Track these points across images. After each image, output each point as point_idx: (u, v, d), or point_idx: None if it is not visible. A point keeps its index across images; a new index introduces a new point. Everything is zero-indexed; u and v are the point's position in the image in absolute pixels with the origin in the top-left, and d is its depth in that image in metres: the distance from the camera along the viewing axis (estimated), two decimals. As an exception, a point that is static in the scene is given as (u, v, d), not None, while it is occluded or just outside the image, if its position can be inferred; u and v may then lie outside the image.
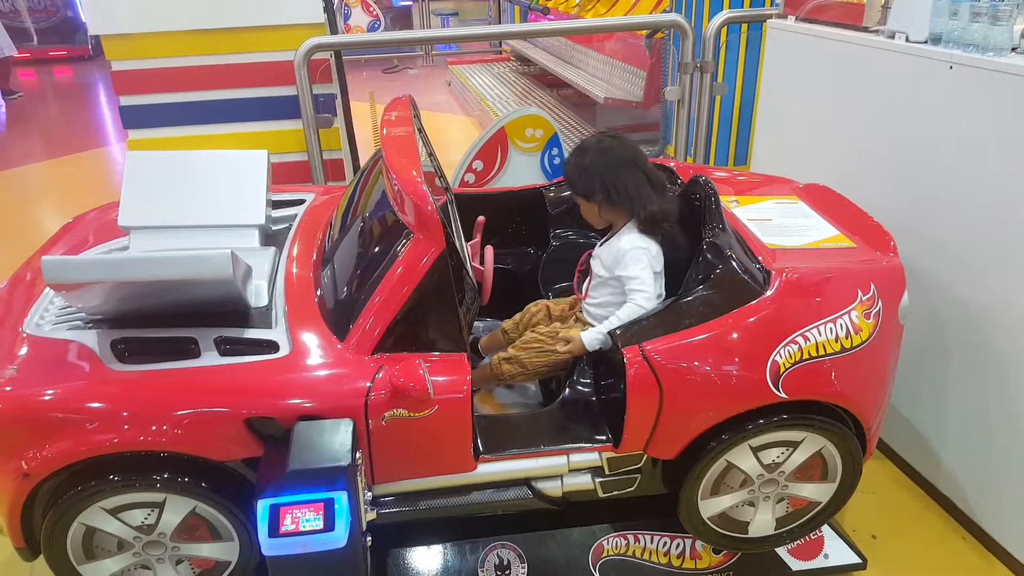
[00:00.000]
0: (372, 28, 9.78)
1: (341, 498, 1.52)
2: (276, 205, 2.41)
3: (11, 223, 4.94)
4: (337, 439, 1.57)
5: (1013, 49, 1.99)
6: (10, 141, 7.35)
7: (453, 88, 8.75)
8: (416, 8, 11.54)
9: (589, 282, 2.16)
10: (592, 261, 2.14)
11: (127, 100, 3.35)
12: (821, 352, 1.80)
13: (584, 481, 1.93)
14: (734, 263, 1.91)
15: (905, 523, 2.34)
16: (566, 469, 1.90)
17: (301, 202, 2.47)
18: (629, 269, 1.99)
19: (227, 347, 1.76)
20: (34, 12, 11.27)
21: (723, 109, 4.31)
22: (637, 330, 1.86)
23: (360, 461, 1.59)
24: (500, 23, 10.47)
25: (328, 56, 3.37)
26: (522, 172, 3.52)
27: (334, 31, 3.43)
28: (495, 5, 10.82)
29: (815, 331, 1.80)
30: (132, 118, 3.38)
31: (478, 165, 3.48)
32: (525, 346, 2.13)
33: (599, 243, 2.14)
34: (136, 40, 3.23)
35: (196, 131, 3.42)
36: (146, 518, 1.76)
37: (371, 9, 9.87)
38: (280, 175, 3.45)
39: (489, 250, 2.24)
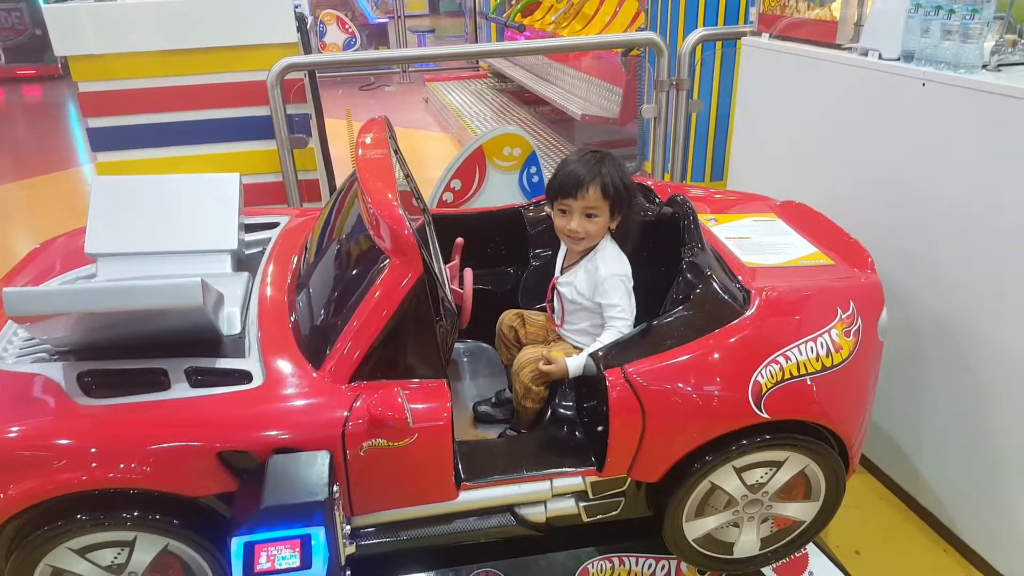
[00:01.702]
0: (348, 45, 9.78)
1: (318, 534, 1.48)
2: (249, 229, 2.37)
3: (-22, 245, 4.82)
4: (313, 472, 1.53)
5: (984, 66, 2.01)
6: (-25, 161, 7.22)
7: (431, 105, 8.75)
8: (392, 25, 11.55)
9: (562, 310, 2.13)
10: (562, 288, 2.11)
11: (95, 122, 3.28)
12: (802, 371, 1.79)
13: (568, 506, 1.90)
14: (714, 283, 1.90)
15: (888, 537, 2.34)
16: (549, 494, 1.86)
17: (275, 225, 2.43)
18: (610, 297, 1.97)
19: (198, 378, 1.71)
20: (2, 30, 11.10)
21: (699, 125, 4.34)
22: (618, 352, 1.84)
23: (338, 494, 1.55)
24: (476, 41, 10.50)
25: (302, 76, 3.33)
26: (500, 191, 3.50)
27: (308, 51, 3.40)
28: (471, 23, 10.86)
29: (796, 350, 1.79)
30: (101, 140, 3.31)
31: (456, 184, 3.45)
32: (532, 380, 2.04)
33: (560, 269, 2.14)
34: (104, 61, 3.17)
35: (167, 153, 3.36)
36: (116, 557, 1.70)
37: (346, 26, 9.87)
38: (254, 196, 3.43)
39: (468, 273, 2.21)
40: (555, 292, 2.14)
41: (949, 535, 2.28)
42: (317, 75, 3.53)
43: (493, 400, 2.29)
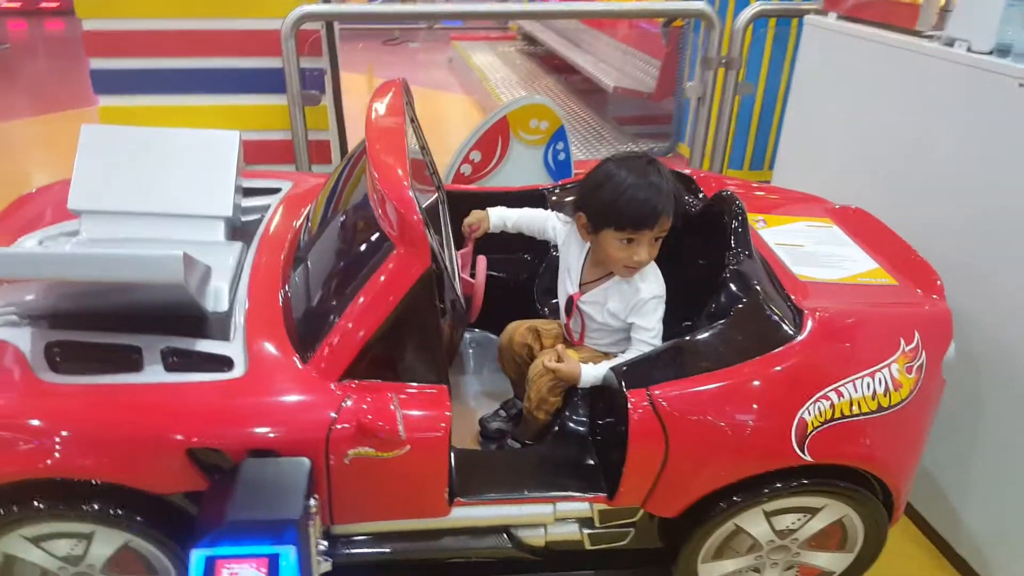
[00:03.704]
0: (375, -5, 9.45)
1: (288, 554, 1.31)
2: (248, 193, 2.17)
3: (-7, 180, 4.65)
4: (289, 484, 1.36)
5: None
6: (-6, 94, 7.02)
7: (454, 65, 8.45)
8: (423, -23, 11.17)
9: (583, 327, 1.92)
10: (586, 308, 1.89)
11: (99, 63, 3.07)
12: (855, 411, 1.57)
13: (571, 531, 1.71)
14: (761, 298, 1.67)
15: (918, 586, 2.14)
16: (551, 519, 1.68)
17: (276, 191, 2.22)
18: (647, 319, 1.77)
19: (174, 360, 1.53)
20: (24, -42, 10.86)
21: (742, 109, 4.06)
22: (645, 370, 1.63)
23: (314, 509, 1.37)
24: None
25: (319, 27, 3.09)
26: (523, 166, 3.27)
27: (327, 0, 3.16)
28: (504, -22, 10.47)
29: (850, 386, 1.57)
30: (104, 83, 3.10)
31: (476, 156, 3.22)
32: (551, 391, 1.84)
33: (579, 283, 1.90)
34: (111, -4, 2.96)
35: (173, 101, 3.15)
36: (72, 549, 1.55)
37: (375, -25, 9.53)
38: (261, 154, 3.22)
39: (482, 261, 2.00)
40: (576, 308, 1.91)
41: (986, 591, 2.07)
42: (337, 27, 3.29)
43: (503, 413, 2.09)
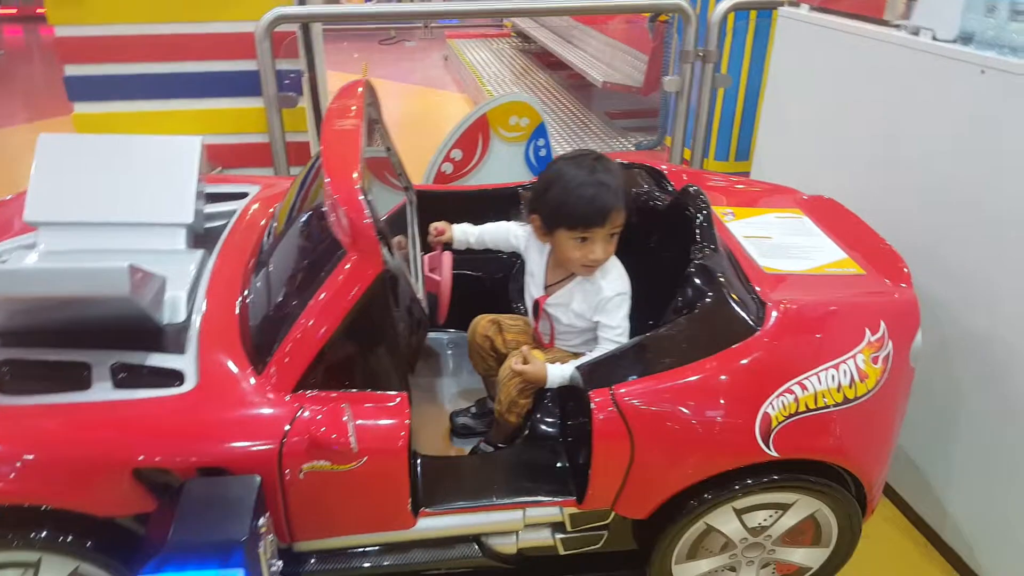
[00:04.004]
0: (368, -5, 9.40)
1: (237, 576, 1.27)
2: (213, 199, 2.13)
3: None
4: (236, 503, 1.31)
5: (1059, 54, 1.71)
6: (-11, 101, 7.01)
7: (450, 63, 8.41)
8: (417, -24, 11.13)
9: (552, 330, 1.89)
10: (552, 311, 1.86)
11: (73, 70, 3.05)
12: (820, 403, 1.54)
13: (543, 537, 1.68)
14: (725, 291, 1.64)
15: (904, 575, 2.10)
16: (521, 525, 1.64)
17: (243, 195, 2.19)
18: (612, 317, 1.75)
19: (123, 376, 1.49)
20: (20, -34, 10.85)
21: (726, 102, 4.02)
22: (609, 369, 1.60)
23: (264, 528, 1.33)
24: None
25: (295, 28, 3.07)
26: (504, 163, 3.24)
27: (302, 1, 3.13)
28: (497, -24, 10.42)
29: (814, 378, 1.54)
30: (78, 90, 3.08)
31: (457, 154, 3.19)
32: (521, 393, 1.80)
33: (544, 286, 1.87)
34: (83, 4, 2.93)
35: (149, 106, 3.12)
36: None
37: (369, -24, 9.49)
38: (240, 157, 3.19)
39: (447, 256, 1.95)
40: (543, 311, 1.88)
41: (972, 577, 2.04)
42: (315, 28, 3.26)
43: (474, 410, 2.06)
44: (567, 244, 1.73)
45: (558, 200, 1.69)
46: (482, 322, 2.00)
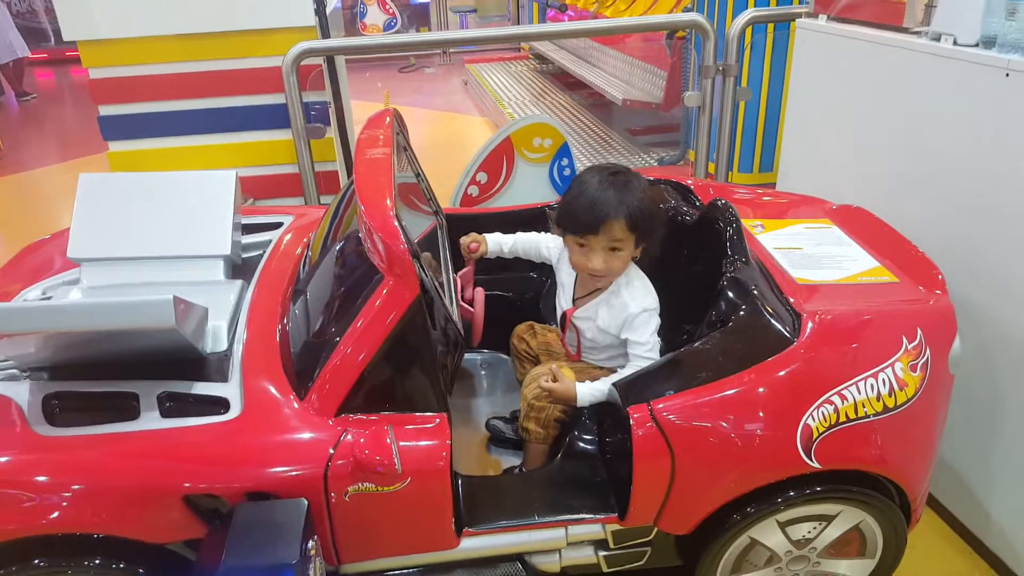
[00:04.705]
0: (388, 26, 9.55)
1: (289, 597, 1.29)
2: (249, 230, 2.19)
3: (22, 228, 4.65)
4: (285, 527, 1.33)
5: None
6: (23, 144, 7.15)
7: (470, 88, 8.51)
8: (434, 5, 11.29)
9: (579, 343, 1.91)
10: (579, 324, 1.87)
11: (107, 110, 3.14)
12: (860, 413, 1.53)
13: (586, 555, 1.68)
14: (759, 304, 1.64)
15: (951, 586, 2.07)
16: (564, 543, 1.65)
17: (278, 225, 2.24)
18: (639, 334, 1.75)
19: (170, 405, 1.53)
20: (51, 12, 11.14)
21: (748, 115, 4.03)
22: (645, 385, 1.60)
23: (313, 551, 1.35)
24: (518, 20, 10.20)
25: (320, 61, 3.14)
26: (530, 184, 3.26)
27: (326, 35, 3.20)
28: (514, 2, 10.54)
29: (853, 388, 1.53)
30: (112, 129, 3.17)
31: (482, 177, 3.23)
32: (536, 398, 1.82)
33: (572, 299, 1.89)
34: (115, 45, 3.02)
35: (181, 142, 3.21)
36: None
37: (387, 7, 9.64)
38: (271, 188, 3.26)
39: (480, 293, 2.01)
40: (570, 324, 1.90)
41: (1021, 586, 2.00)
42: (339, 60, 3.33)
43: (508, 416, 2.08)
44: (572, 249, 1.77)
45: (565, 202, 1.76)
46: (520, 327, 2.09)
